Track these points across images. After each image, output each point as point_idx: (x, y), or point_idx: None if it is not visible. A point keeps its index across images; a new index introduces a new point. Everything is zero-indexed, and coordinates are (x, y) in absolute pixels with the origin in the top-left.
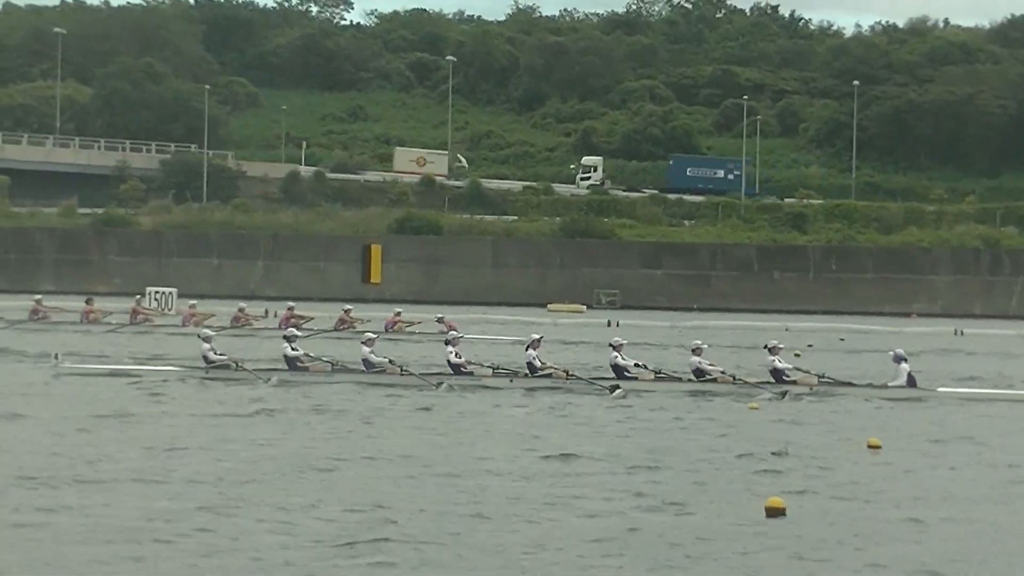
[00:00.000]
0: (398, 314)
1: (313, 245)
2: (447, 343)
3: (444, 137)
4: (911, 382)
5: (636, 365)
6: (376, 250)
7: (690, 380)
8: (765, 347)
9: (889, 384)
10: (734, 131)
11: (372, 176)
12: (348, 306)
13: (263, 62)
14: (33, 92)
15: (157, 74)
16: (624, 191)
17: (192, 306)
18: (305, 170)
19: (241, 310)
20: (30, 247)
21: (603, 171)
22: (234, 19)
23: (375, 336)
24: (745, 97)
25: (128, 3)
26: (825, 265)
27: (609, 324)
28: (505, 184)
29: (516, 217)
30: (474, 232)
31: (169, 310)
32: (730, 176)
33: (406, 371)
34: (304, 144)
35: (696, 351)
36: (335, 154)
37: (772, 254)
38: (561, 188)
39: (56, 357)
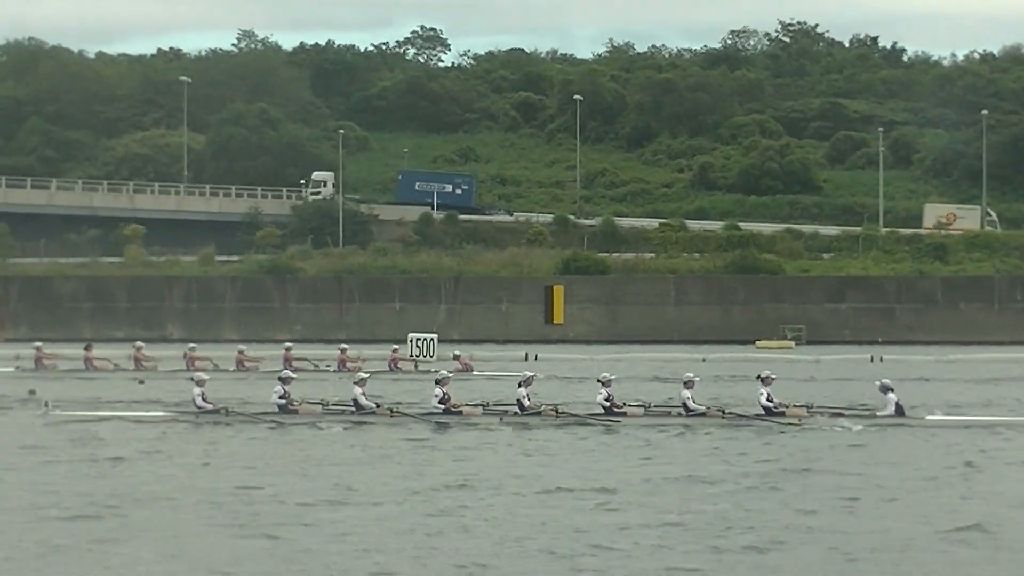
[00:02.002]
0: (395, 350)
1: (495, 287)
2: (437, 382)
3: (557, 176)
4: (899, 411)
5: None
6: (559, 291)
7: (679, 414)
8: (758, 377)
9: (877, 413)
10: (847, 163)
11: (501, 217)
12: (344, 346)
13: (369, 106)
14: (148, 141)
15: (272, 120)
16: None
17: (191, 349)
18: (437, 213)
19: (241, 352)
20: (212, 295)
21: (332, 185)
22: (338, 63)
23: (367, 376)
24: (881, 131)
25: (234, 50)
26: (1011, 296)
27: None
28: (638, 222)
29: (654, 255)
30: (640, 270)
31: (431, 356)
32: (458, 191)
33: (396, 412)
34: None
35: (688, 384)
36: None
37: (957, 286)
38: (692, 224)
39: (46, 404)
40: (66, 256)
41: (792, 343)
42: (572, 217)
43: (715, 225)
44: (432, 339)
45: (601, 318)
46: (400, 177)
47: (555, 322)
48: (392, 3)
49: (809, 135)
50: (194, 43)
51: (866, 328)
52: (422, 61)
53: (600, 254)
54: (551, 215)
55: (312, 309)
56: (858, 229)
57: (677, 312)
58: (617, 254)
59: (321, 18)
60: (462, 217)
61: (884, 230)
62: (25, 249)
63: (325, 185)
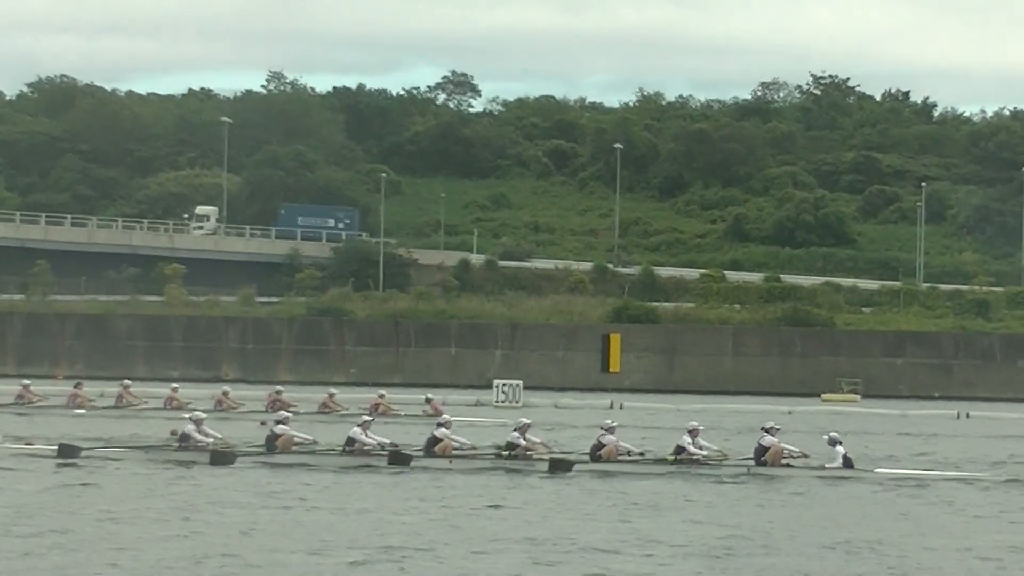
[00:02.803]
0: (381, 396)
1: (552, 334)
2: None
3: (590, 224)
4: (847, 463)
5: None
6: (616, 339)
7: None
8: (762, 428)
9: (826, 465)
10: (880, 217)
11: (540, 263)
12: (333, 390)
13: (401, 150)
14: (182, 180)
15: (308, 162)
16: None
17: (173, 389)
18: (476, 258)
19: (225, 394)
20: (269, 337)
21: (216, 220)
22: (371, 107)
23: (371, 419)
24: (924, 187)
25: (264, 91)
26: None
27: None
28: (676, 271)
29: (694, 304)
30: (690, 320)
31: (517, 403)
32: (340, 225)
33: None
34: (475, 232)
35: (693, 432)
36: (503, 242)
37: (1016, 343)
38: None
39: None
40: (106, 294)
41: (857, 396)
42: (610, 265)
43: (754, 276)
44: (518, 385)
45: (658, 367)
46: (283, 211)
47: (612, 370)
48: (401, 47)
49: (842, 188)
50: (217, 82)
51: (923, 383)
52: (452, 107)
53: (649, 303)
54: (590, 263)
55: (369, 353)
56: (897, 284)
57: (735, 363)
58: (665, 303)
59: (331, 60)
60: (501, 263)
61: (924, 285)
62: (66, 287)
63: (208, 220)
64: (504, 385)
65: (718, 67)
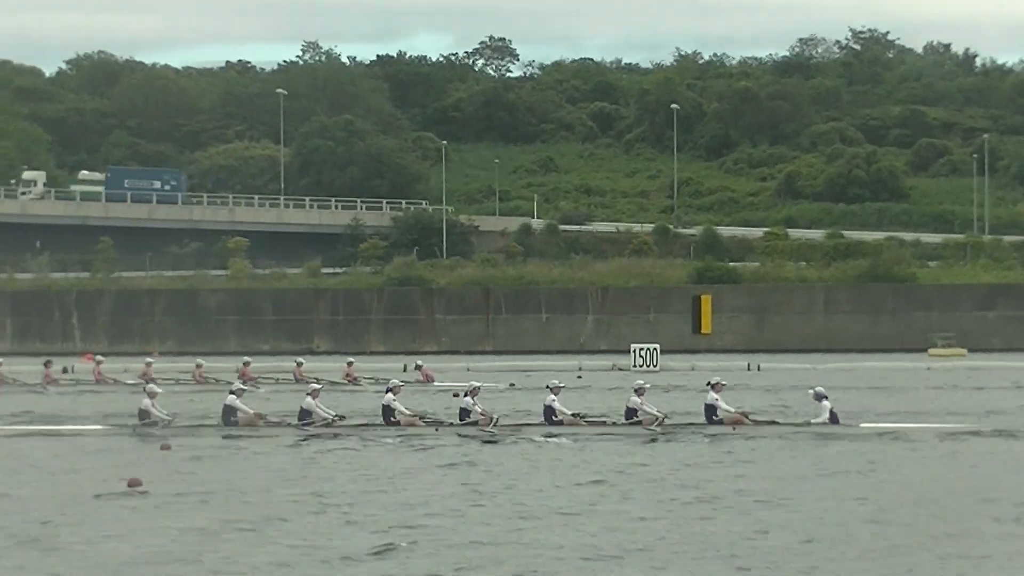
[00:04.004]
0: (350, 364)
1: (643, 297)
2: (388, 390)
3: (640, 186)
4: (833, 419)
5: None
6: (706, 300)
7: (615, 423)
8: (708, 384)
9: (812, 421)
10: (930, 171)
11: (600, 226)
12: (300, 359)
13: (445, 117)
14: (232, 153)
15: (357, 131)
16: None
17: (198, 366)
18: (537, 222)
19: (198, 366)
20: (359, 308)
21: (43, 185)
22: (414, 75)
23: (320, 387)
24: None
25: (299, 62)
26: None
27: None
28: (737, 231)
29: (759, 264)
30: (769, 279)
31: (655, 366)
32: (167, 187)
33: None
34: (535, 197)
35: (638, 391)
36: (561, 206)
37: None
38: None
39: None
40: (169, 269)
41: (964, 351)
42: (671, 226)
43: (812, 233)
44: (655, 349)
45: (748, 327)
46: (109, 175)
47: (703, 332)
48: (401, 12)
49: (889, 143)
50: (254, 55)
51: (1018, 336)
52: (491, 72)
53: (729, 263)
54: (651, 225)
55: (459, 321)
56: (960, 237)
57: (825, 321)
58: (740, 263)
59: (332, 30)
60: (563, 227)
61: (987, 237)
62: (129, 263)
63: (36, 184)
64: (641, 349)
65: (752, 25)
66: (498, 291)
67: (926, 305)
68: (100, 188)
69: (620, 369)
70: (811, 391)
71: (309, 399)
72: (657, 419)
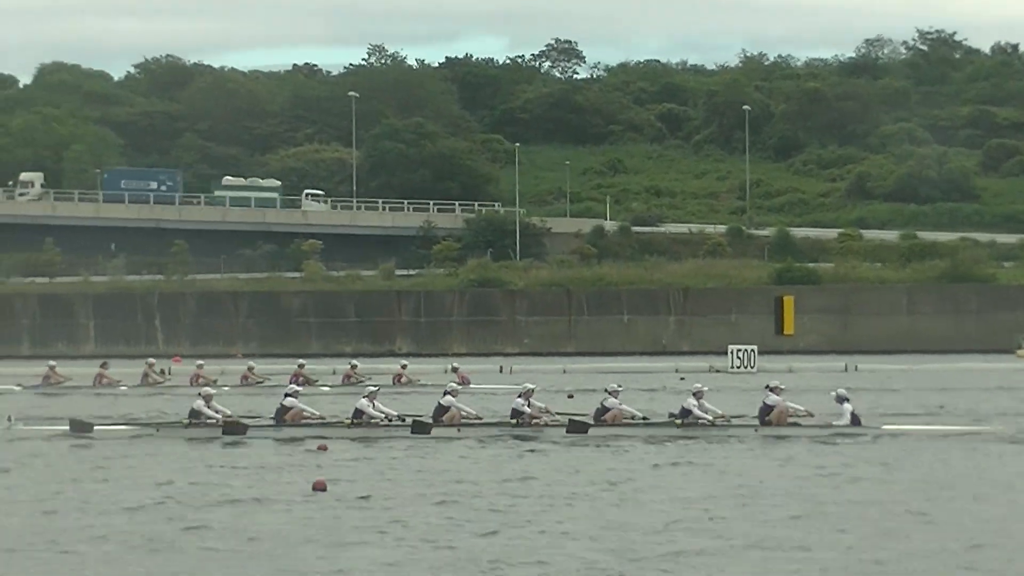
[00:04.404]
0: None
1: (724, 298)
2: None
3: (709, 187)
4: (855, 420)
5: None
6: (788, 301)
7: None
8: (767, 386)
9: (833, 423)
10: (1001, 171)
11: (673, 227)
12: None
13: (513, 119)
14: (302, 156)
15: (427, 133)
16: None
17: (199, 366)
18: (610, 224)
19: (250, 368)
20: (440, 309)
21: (40, 186)
22: (481, 76)
23: (376, 389)
24: None
25: (365, 64)
26: None
27: None
28: (810, 231)
29: (833, 265)
30: (848, 280)
31: (752, 368)
32: (163, 187)
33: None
34: (608, 199)
35: (697, 395)
36: (633, 207)
37: None
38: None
39: (9, 419)
40: (243, 271)
41: None
42: (744, 228)
43: (886, 234)
44: (752, 350)
45: (831, 328)
46: (106, 175)
47: (785, 333)
48: (456, 15)
49: (959, 143)
50: (315, 58)
51: None
52: (558, 75)
53: (809, 264)
54: (723, 226)
55: (540, 322)
56: None
57: (909, 322)
58: (815, 264)
59: (388, 32)
60: (635, 229)
61: None
62: (203, 265)
63: (33, 186)
64: (739, 350)
65: (815, 26)
66: (579, 292)
67: (1010, 305)
68: (247, 193)
69: (717, 371)
70: (833, 393)
71: (364, 400)
72: (709, 422)
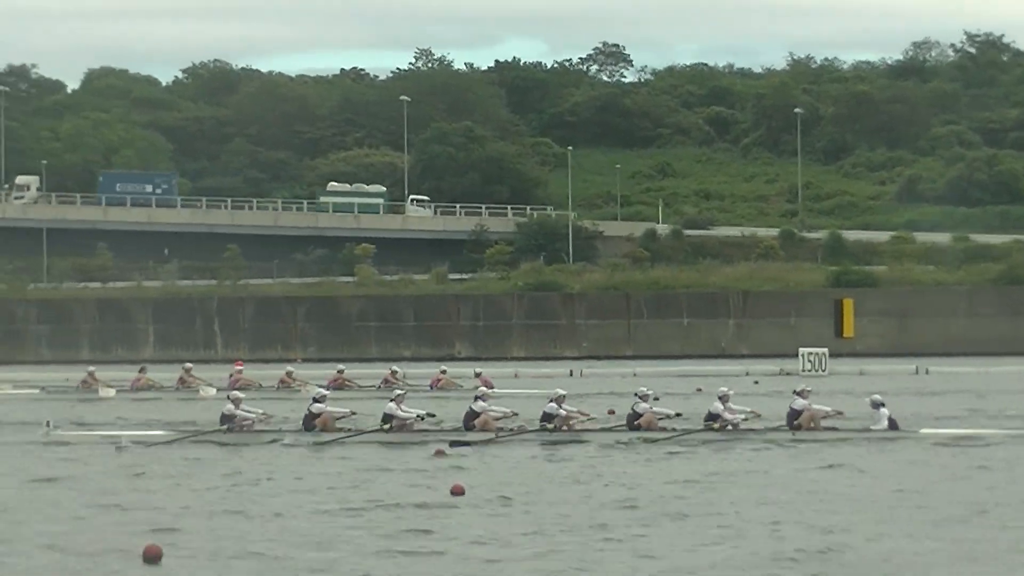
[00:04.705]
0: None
1: (783, 301)
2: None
3: (758, 190)
4: (892, 425)
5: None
6: (848, 304)
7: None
8: (794, 391)
9: (871, 427)
10: None
11: (724, 231)
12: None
13: (561, 122)
14: (352, 160)
15: (477, 137)
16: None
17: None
18: (662, 227)
19: (288, 374)
20: (499, 313)
21: (36, 190)
22: (529, 80)
23: (403, 393)
24: None
25: (412, 68)
26: None
27: None
28: (862, 234)
29: (886, 268)
30: (905, 283)
31: (823, 371)
32: (158, 190)
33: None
34: (660, 202)
35: (723, 398)
36: (684, 211)
37: None
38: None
39: (48, 424)
40: (295, 276)
41: None
42: (795, 231)
43: (937, 237)
44: (824, 353)
45: (891, 331)
46: (101, 179)
47: (845, 336)
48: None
49: (1008, 145)
50: (357, 61)
51: None
52: (605, 78)
53: (866, 267)
54: (775, 229)
55: (599, 325)
56: None
57: (969, 324)
58: (869, 267)
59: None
60: (687, 232)
61: None
62: (256, 270)
63: (29, 189)
64: (810, 354)
65: (860, 29)
66: (638, 295)
67: None
68: (351, 199)
69: (787, 373)
70: (868, 399)
71: (392, 404)
72: (734, 424)
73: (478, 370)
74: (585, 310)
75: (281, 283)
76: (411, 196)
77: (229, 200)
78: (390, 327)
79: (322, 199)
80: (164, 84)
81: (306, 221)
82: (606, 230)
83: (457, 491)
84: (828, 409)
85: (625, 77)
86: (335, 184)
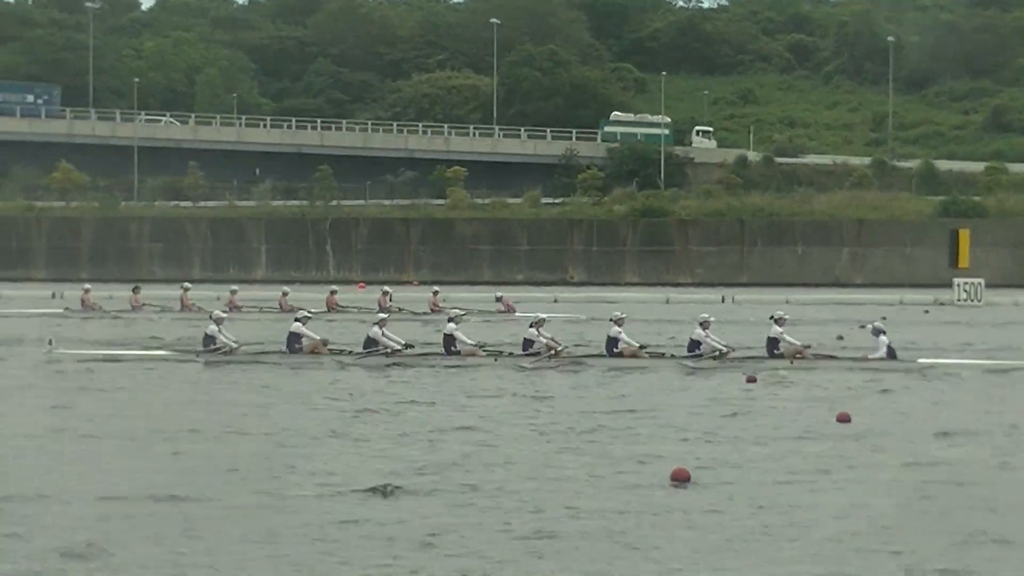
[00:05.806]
0: (435, 293)
1: (898, 231)
2: (450, 320)
3: (841, 118)
4: (891, 354)
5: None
6: (964, 234)
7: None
8: (771, 318)
9: (869, 356)
10: None
11: (813, 159)
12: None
13: (641, 47)
14: (435, 83)
15: (562, 61)
16: None
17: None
18: (752, 154)
19: (284, 294)
20: (613, 239)
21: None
22: (609, 5)
23: (386, 317)
24: None
25: None
26: None
27: None
28: (955, 164)
29: (979, 198)
30: (1014, 214)
31: (978, 301)
32: (39, 101)
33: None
34: (751, 129)
35: (703, 324)
36: (777, 138)
37: None
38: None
39: (50, 343)
40: (386, 198)
41: None
42: (887, 159)
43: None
44: (980, 283)
45: (1006, 262)
46: None
47: (960, 266)
48: None
49: None
50: None
51: None
52: (683, 4)
53: (972, 198)
54: (867, 158)
55: (713, 253)
56: None
57: None
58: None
59: None
60: (779, 160)
61: None
62: (347, 191)
63: None
64: (965, 284)
65: None
66: (753, 223)
67: None
68: (636, 129)
69: (942, 304)
70: (869, 326)
71: (376, 328)
72: (722, 352)
73: (499, 294)
74: (699, 237)
75: (374, 205)
76: (696, 127)
77: (318, 120)
78: (504, 251)
79: (607, 129)
80: (240, 3)
81: (395, 142)
82: (696, 157)
83: (843, 418)
84: (796, 342)
85: (703, 3)
86: (618, 113)
